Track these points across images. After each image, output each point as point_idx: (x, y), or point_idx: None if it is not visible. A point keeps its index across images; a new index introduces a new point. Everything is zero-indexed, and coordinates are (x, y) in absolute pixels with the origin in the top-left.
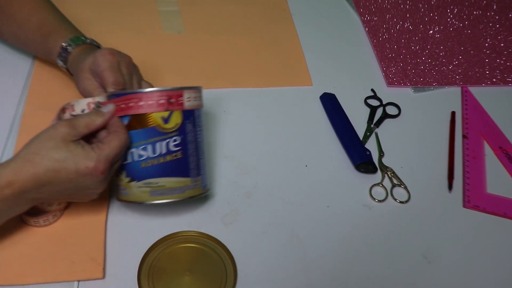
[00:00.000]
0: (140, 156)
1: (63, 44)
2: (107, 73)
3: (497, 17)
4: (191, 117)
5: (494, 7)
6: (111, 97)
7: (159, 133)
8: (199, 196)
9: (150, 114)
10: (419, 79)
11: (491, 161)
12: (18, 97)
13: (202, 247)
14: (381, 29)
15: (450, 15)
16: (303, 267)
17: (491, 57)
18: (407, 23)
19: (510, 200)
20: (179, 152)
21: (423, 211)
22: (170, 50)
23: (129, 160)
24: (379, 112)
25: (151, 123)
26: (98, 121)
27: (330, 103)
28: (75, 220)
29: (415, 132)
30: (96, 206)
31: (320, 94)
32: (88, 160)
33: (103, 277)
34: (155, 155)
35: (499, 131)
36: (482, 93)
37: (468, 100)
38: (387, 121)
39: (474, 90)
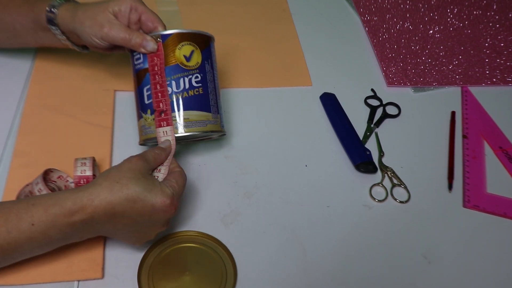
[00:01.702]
0: None
1: (48, 6)
2: (151, 14)
3: (497, 17)
4: (209, 58)
5: (494, 7)
6: (165, 36)
7: (182, 70)
8: (220, 134)
9: (174, 52)
10: (419, 79)
11: (491, 161)
12: (18, 97)
13: (202, 247)
14: (381, 29)
15: (450, 15)
16: (303, 267)
17: (491, 57)
18: (407, 23)
19: (510, 200)
20: (200, 88)
21: (423, 211)
22: None
23: None
24: (379, 112)
25: (174, 61)
26: (162, 155)
27: (330, 103)
28: None
29: (415, 132)
30: None
31: (320, 94)
32: (164, 196)
33: (102, 277)
34: (179, 90)
35: (499, 131)
36: (482, 93)
37: (468, 100)
38: (387, 121)
39: (474, 90)
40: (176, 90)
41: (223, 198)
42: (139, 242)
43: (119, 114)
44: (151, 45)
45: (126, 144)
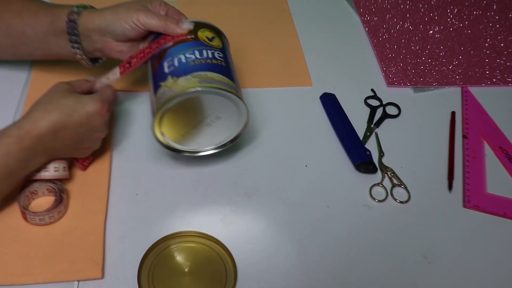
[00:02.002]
0: (188, 58)
1: (73, 8)
2: (175, 9)
3: (497, 17)
4: (227, 48)
5: (494, 7)
6: (195, 23)
7: (205, 45)
8: (242, 103)
9: (196, 33)
10: (419, 79)
11: (491, 161)
12: (17, 97)
13: (202, 247)
14: (381, 29)
15: (450, 15)
16: (303, 267)
17: (491, 57)
18: (407, 23)
19: (510, 200)
20: (223, 62)
21: (423, 211)
22: None
23: (176, 64)
24: (379, 112)
25: (197, 39)
26: (87, 85)
27: (330, 103)
28: (74, 220)
29: (415, 132)
30: (96, 205)
31: (320, 94)
32: (95, 101)
33: (102, 277)
34: (202, 57)
35: (499, 131)
36: (482, 93)
37: (468, 100)
38: (387, 121)
39: (474, 90)
40: (199, 57)
41: (223, 198)
42: (87, 153)
43: (119, 114)
44: (186, 24)
45: (126, 144)
